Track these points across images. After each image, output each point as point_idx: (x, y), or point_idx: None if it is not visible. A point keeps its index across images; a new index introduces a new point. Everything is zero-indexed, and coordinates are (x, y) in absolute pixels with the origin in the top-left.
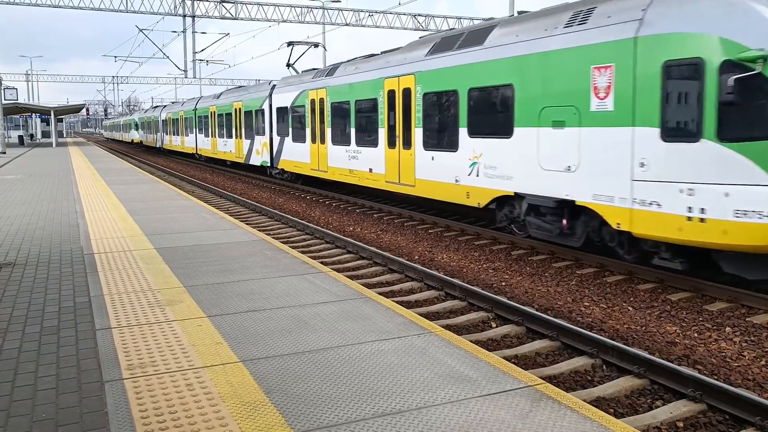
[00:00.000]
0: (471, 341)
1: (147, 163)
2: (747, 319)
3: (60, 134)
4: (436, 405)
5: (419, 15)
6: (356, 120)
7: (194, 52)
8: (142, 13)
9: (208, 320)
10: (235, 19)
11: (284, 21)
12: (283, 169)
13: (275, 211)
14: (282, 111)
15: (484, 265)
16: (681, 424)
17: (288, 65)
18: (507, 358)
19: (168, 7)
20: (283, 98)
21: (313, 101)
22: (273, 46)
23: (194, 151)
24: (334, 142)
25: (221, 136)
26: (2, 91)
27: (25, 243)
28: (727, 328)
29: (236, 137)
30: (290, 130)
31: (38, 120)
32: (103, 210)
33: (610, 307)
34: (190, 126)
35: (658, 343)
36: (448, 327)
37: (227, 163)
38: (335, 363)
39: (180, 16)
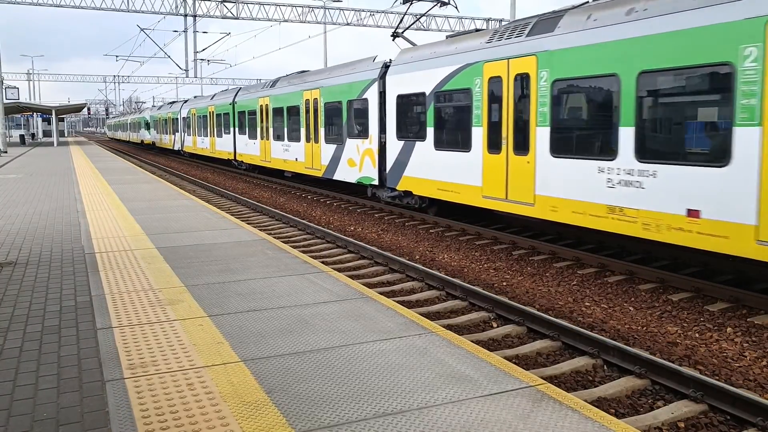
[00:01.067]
0: (472, 341)
1: (148, 163)
2: (748, 319)
3: (61, 134)
4: (437, 405)
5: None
6: (644, 109)
7: (195, 52)
8: (143, 12)
9: (209, 320)
10: (236, 18)
11: (285, 20)
12: (407, 192)
13: (276, 210)
14: (410, 101)
15: (485, 265)
16: (682, 425)
17: (395, 35)
18: (508, 358)
19: (169, 6)
20: (413, 80)
21: (495, 81)
22: (274, 45)
23: (231, 157)
24: (566, 151)
25: (279, 138)
26: (4, 91)
27: (26, 242)
28: (729, 329)
29: (309, 140)
30: (429, 131)
31: (39, 119)
32: (104, 209)
33: (611, 307)
34: (225, 125)
35: (659, 343)
36: (449, 327)
37: (285, 175)
38: (336, 363)
39: (181, 15)
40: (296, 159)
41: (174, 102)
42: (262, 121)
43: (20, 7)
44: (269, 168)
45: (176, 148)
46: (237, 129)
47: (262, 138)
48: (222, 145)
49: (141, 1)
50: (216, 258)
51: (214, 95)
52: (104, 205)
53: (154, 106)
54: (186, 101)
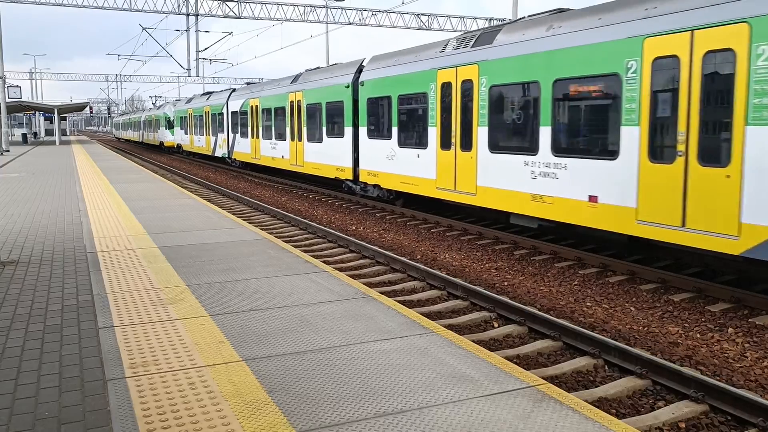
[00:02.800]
0: (473, 341)
1: (150, 162)
2: (749, 319)
3: (63, 132)
4: (438, 405)
5: (422, 14)
6: None
7: (197, 51)
8: (145, 11)
9: (210, 319)
10: (238, 17)
11: (287, 20)
12: None
13: (278, 210)
14: None
15: (487, 265)
16: (683, 425)
17: None
18: (509, 358)
19: (171, 5)
20: None
21: None
22: (276, 45)
23: (340, 175)
24: None
25: (510, 148)
26: (6, 90)
27: (28, 241)
28: (730, 329)
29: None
30: None
31: (42, 118)
32: (106, 208)
33: (613, 307)
34: (332, 122)
35: (661, 343)
36: (450, 327)
37: (527, 224)
38: (337, 362)
39: (183, 14)
40: (592, 199)
41: (212, 93)
42: (457, 114)
43: (22, 6)
44: (476, 206)
45: (218, 154)
46: (366, 129)
47: (444, 146)
48: (318, 155)
49: (143, 0)
50: (217, 257)
51: (298, 76)
52: (106, 204)
53: (179, 99)
54: (234, 90)
